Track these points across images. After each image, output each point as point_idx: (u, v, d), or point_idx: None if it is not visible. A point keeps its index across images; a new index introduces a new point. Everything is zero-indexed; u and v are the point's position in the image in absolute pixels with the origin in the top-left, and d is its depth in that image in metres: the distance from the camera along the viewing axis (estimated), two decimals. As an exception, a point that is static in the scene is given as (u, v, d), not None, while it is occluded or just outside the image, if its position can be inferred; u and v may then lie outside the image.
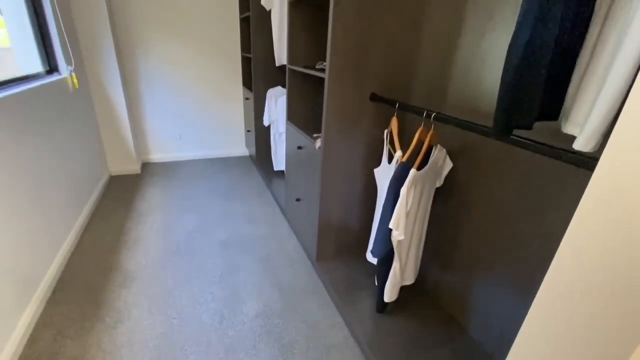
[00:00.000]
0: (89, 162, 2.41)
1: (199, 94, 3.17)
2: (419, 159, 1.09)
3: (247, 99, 3.09)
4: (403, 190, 1.01)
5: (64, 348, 1.29)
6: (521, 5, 0.61)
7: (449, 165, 1.24)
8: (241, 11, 2.90)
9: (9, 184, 1.35)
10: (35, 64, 2.04)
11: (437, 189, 1.29)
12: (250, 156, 3.43)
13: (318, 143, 1.49)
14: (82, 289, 1.60)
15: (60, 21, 2.10)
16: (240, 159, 3.47)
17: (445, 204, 1.34)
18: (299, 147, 1.75)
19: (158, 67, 2.95)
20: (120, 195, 2.56)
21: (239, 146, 3.53)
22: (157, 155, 3.28)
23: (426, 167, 1.11)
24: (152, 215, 2.28)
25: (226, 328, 1.41)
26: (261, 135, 2.90)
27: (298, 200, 1.89)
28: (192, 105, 3.18)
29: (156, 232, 2.09)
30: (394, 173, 1.09)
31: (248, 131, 3.25)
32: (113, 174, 2.93)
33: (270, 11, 2.17)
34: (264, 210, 2.42)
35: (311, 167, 1.62)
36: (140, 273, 1.72)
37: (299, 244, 2.02)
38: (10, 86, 1.58)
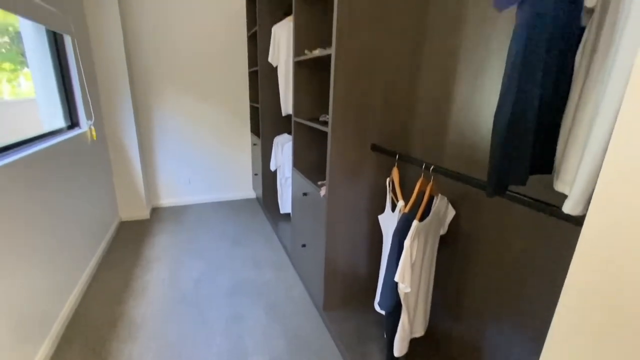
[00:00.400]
0: (101, 208, 2.48)
1: (208, 140, 3.31)
2: (421, 209, 1.12)
3: (254, 144, 3.22)
4: (406, 243, 1.03)
5: (64, 409, 1.25)
6: (502, 80, 0.68)
7: (451, 212, 1.26)
8: (250, 66, 3.13)
9: (26, 230, 1.40)
10: (57, 116, 2.19)
11: (442, 237, 1.30)
12: (257, 199, 3.48)
13: (323, 191, 1.53)
14: (88, 340, 1.57)
15: (84, 77, 2.29)
16: (247, 201, 3.52)
17: (451, 252, 1.34)
18: (304, 194, 1.79)
19: (171, 116, 3.12)
20: (129, 242, 2.59)
21: (246, 189, 3.60)
22: (166, 200, 3.35)
23: (429, 217, 1.13)
24: (159, 263, 2.29)
25: (231, 385, 1.36)
26: (268, 179, 2.97)
27: (304, 246, 1.90)
28: (201, 151, 3.32)
29: (162, 280, 2.09)
30: (397, 225, 1.11)
31: (255, 175, 3.34)
32: (123, 220, 2.99)
33: (277, 67, 2.34)
34: (270, 255, 2.42)
35: (316, 213, 1.65)
36: (145, 324, 1.70)
37: (306, 291, 1.99)
38: (36, 143, 1.70)
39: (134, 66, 2.89)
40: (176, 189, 3.36)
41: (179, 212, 3.21)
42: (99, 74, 2.61)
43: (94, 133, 2.39)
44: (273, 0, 2.43)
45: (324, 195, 1.52)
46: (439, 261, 1.32)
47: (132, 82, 2.79)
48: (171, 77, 3.03)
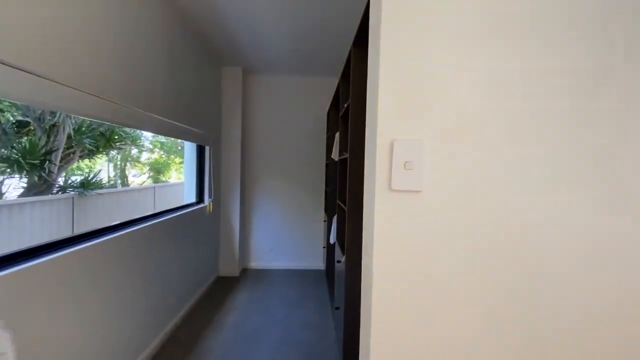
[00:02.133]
0: (206, 263, 3.35)
1: (290, 216, 4.08)
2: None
3: (324, 221, 3.81)
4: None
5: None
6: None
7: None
8: (326, 159, 3.94)
9: (145, 276, 2.22)
10: (192, 194, 3.30)
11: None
12: (324, 271, 3.91)
13: (343, 257, 1.93)
14: (173, 355, 2.18)
15: (212, 170, 3.42)
16: (316, 271, 3.98)
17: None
18: (338, 261, 2.19)
19: (265, 196, 4.08)
20: (220, 292, 3.33)
21: (317, 261, 4.10)
22: (254, 262, 4.12)
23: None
24: (235, 311, 2.89)
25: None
26: (329, 252, 3.43)
27: (337, 308, 2.21)
28: (284, 225, 4.09)
29: (235, 323, 2.65)
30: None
31: (324, 248, 3.84)
32: (220, 275, 3.83)
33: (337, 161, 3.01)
34: (318, 319, 2.74)
35: (340, 279, 2.01)
36: (214, 351, 2.22)
37: (338, 351, 2.21)
38: (181, 210, 2.69)
39: (245, 161, 4.05)
40: (262, 254, 4.12)
41: (261, 274, 3.89)
42: (222, 168, 3.79)
43: (211, 207, 3.42)
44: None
45: (342, 261, 1.91)
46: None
47: (242, 171, 3.90)
48: (267, 167, 4.07)
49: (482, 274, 0.72)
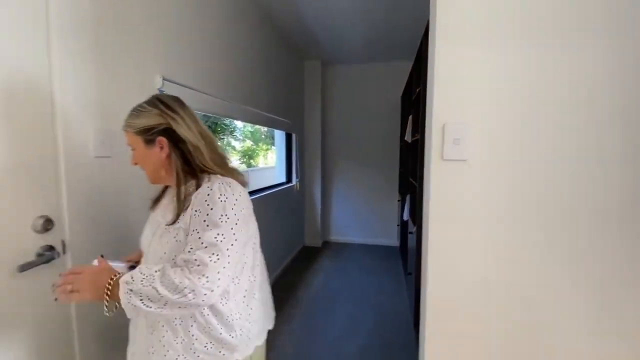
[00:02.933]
0: (295, 234, 3.93)
1: (366, 194, 4.40)
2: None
3: (399, 200, 4.02)
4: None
5: None
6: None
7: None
8: (400, 140, 4.10)
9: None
10: (281, 175, 3.88)
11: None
12: (398, 247, 4.14)
13: (414, 228, 2.17)
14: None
15: (297, 154, 3.93)
16: (391, 248, 4.25)
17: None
18: (410, 232, 2.44)
19: (342, 176, 4.46)
20: (306, 258, 3.88)
21: (391, 237, 4.35)
22: (333, 236, 4.60)
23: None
24: (320, 272, 3.39)
25: None
26: (403, 228, 3.65)
27: (409, 274, 2.47)
28: (360, 203, 4.43)
29: (319, 282, 3.14)
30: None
31: (398, 225, 4.07)
32: (306, 245, 4.40)
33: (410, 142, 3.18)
34: (392, 284, 3.04)
35: (412, 248, 2.26)
36: (302, 302, 2.74)
37: (409, 311, 2.49)
38: (272, 188, 3.26)
39: (324, 146, 4.47)
40: (341, 229, 4.56)
41: (340, 246, 4.34)
42: (305, 152, 4.29)
43: (298, 186, 3.96)
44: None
45: (413, 232, 2.15)
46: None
47: (322, 154, 4.34)
48: (345, 151, 4.42)
49: (514, 223, 0.93)
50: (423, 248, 1.08)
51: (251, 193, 2.86)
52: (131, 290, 0.70)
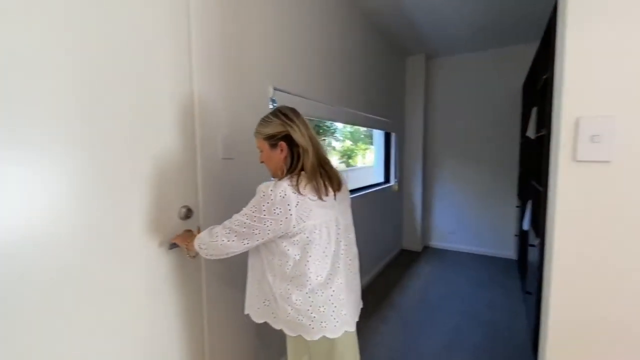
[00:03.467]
0: (391, 236, 3.84)
1: (474, 199, 3.95)
2: None
3: (517, 206, 3.48)
4: None
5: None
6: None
7: None
8: (521, 136, 3.53)
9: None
10: (379, 175, 3.83)
11: None
12: (515, 260, 3.58)
13: (537, 240, 1.84)
14: (369, 306, 2.76)
15: (397, 154, 3.83)
16: (505, 260, 3.71)
17: None
18: (531, 245, 2.08)
19: (446, 177, 4.12)
20: (404, 263, 3.75)
21: (505, 249, 3.80)
22: (434, 242, 4.30)
23: None
24: (419, 278, 3.23)
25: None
26: (522, 239, 3.13)
27: (528, 293, 2.11)
28: (467, 208, 4.01)
29: (418, 288, 2.99)
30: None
31: (515, 236, 3.52)
32: (403, 248, 4.24)
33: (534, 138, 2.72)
34: (506, 302, 2.65)
35: (534, 264, 1.93)
36: (400, 307, 2.66)
37: (528, 338, 2.13)
38: (370, 188, 3.27)
39: (426, 144, 4.22)
40: (444, 235, 4.23)
41: (442, 253, 4.03)
42: (405, 151, 4.14)
43: (396, 187, 3.85)
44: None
45: (537, 245, 1.83)
46: None
47: (424, 153, 4.10)
48: (449, 149, 4.07)
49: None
50: (546, 265, 0.92)
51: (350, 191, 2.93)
52: (198, 237, 1.08)
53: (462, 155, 4.01)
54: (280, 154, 1.04)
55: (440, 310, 2.58)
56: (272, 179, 1.09)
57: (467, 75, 3.88)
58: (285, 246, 1.00)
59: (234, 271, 1.49)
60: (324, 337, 1.00)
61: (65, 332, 0.94)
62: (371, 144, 4.41)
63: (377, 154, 3.94)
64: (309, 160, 1.00)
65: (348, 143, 11.53)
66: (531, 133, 2.70)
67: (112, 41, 1.01)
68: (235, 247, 1.00)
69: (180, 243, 1.19)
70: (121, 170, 1.06)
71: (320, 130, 5.48)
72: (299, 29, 1.94)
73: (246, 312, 1.17)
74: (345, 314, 1.04)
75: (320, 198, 0.99)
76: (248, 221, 0.97)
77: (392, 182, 3.84)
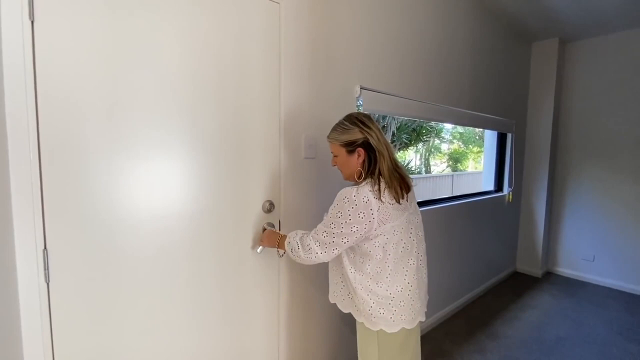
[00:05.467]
0: (500, 253, 3.28)
1: (623, 218, 3.01)
2: None
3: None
4: None
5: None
6: None
7: None
8: None
9: (445, 249, 2.54)
10: (490, 182, 3.32)
11: None
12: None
13: None
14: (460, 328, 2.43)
15: (513, 158, 3.25)
16: (676, 307, 2.71)
17: None
18: None
19: (585, 189, 3.26)
20: (516, 287, 3.16)
21: (680, 292, 2.77)
22: (562, 268, 3.47)
23: None
24: (533, 310, 2.67)
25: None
26: None
27: None
28: (614, 229, 3.09)
29: (531, 322, 2.48)
30: None
31: (696, 276, 2.53)
32: (518, 271, 3.58)
33: None
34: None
35: None
36: (501, 339, 2.25)
37: None
38: (478, 196, 2.88)
39: (556, 147, 3.44)
40: (576, 261, 3.37)
41: (572, 284, 3.23)
42: (526, 155, 3.47)
43: (510, 197, 3.27)
44: None
45: None
46: None
47: (552, 158, 3.36)
48: (590, 153, 3.21)
49: None
50: None
51: (448, 198, 2.63)
52: (288, 242, 1.14)
53: (609, 162, 3.11)
54: (358, 159, 1.08)
55: (558, 356, 2.06)
56: (346, 181, 1.15)
57: (617, 60, 3.00)
58: (366, 247, 1.05)
59: (311, 269, 1.52)
60: (403, 328, 1.08)
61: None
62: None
63: (487, 157, 3.43)
64: (385, 164, 1.05)
65: (456, 145, 10.45)
66: None
67: (220, 54, 1.17)
68: (326, 258, 1.07)
69: (268, 245, 1.29)
70: (219, 168, 1.21)
71: (423, 131, 5.10)
72: (391, 20, 1.83)
73: (332, 301, 1.24)
74: (419, 306, 1.13)
75: (398, 202, 1.04)
76: (336, 230, 1.02)
77: (506, 190, 3.28)
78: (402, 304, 1.07)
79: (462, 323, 2.45)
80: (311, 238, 1.07)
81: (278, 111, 1.37)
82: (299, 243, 1.09)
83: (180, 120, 1.10)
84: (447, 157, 9.41)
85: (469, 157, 9.57)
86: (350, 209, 0.99)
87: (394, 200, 1.03)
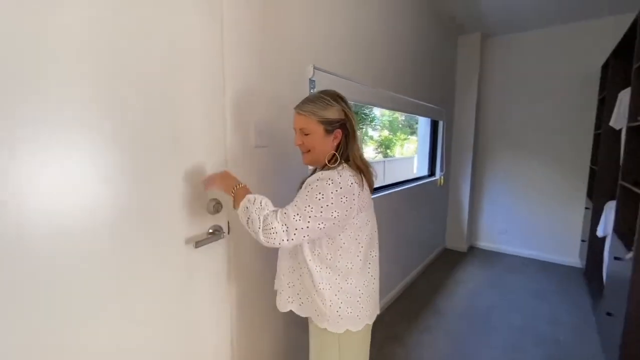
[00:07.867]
0: (433, 233, 3.53)
1: (533, 197, 3.50)
2: None
3: (587, 208, 3.01)
4: None
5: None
6: None
7: None
8: (596, 128, 3.03)
9: (390, 234, 2.60)
10: (423, 168, 3.51)
11: None
12: (581, 269, 3.13)
13: (630, 254, 1.50)
14: (397, 312, 2.53)
15: (444, 145, 3.48)
16: (568, 268, 3.26)
17: None
18: (616, 258, 1.72)
19: (500, 171, 3.69)
20: (447, 263, 3.44)
21: (569, 255, 3.34)
22: (482, 242, 3.91)
23: None
24: (463, 284, 2.92)
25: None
26: (595, 247, 2.70)
27: (609, 314, 1.76)
28: (522, 206, 3.57)
29: (461, 294, 2.70)
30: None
31: (582, 241, 3.06)
32: (447, 247, 3.91)
33: (620, 130, 2.27)
34: (574, 320, 2.29)
35: (619, 281, 1.58)
36: (443, 315, 2.40)
37: (606, 369, 1.80)
38: (411, 182, 2.99)
39: (478, 135, 3.79)
40: (493, 235, 3.82)
41: (490, 255, 3.65)
42: (453, 142, 3.75)
43: (442, 181, 3.52)
44: (626, 69, 2.39)
45: (629, 258, 1.48)
46: None
47: (475, 144, 3.69)
48: (505, 141, 3.62)
49: None
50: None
51: (387, 186, 2.67)
52: (247, 208, 0.92)
53: (520, 148, 3.55)
54: (333, 141, 0.98)
55: (492, 323, 2.28)
56: (308, 166, 1.07)
57: (529, 56, 3.39)
58: (341, 239, 0.97)
59: (261, 262, 1.34)
60: (366, 324, 1.04)
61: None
62: (411, 134, 4.06)
63: (421, 144, 3.61)
64: (358, 151, 0.99)
65: (386, 133, 11.07)
66: (618, 122, 2.26)
67: (142, 21, 0.87)
68: (288, 246, 0.91)
69: (219, 189, 1.03)
70: (150, 162, 0.93)
71: (359, 119, 5.19)
72: (343, 3, 1.70)
73: (284, 309, 1.08)
74: (377, 300, 1.10)
75: (371, 191, 1.01)
76: (313, 213, 0.89)
77: (438, 175, 3.50)
78: (368, 299, 1.03)
79: (409, 303, 2.56)
80: (278, 220, 0.88)
81: (222, 90, 1.13)
82: (260, 219, 0.89)
83: (91, 106, 0.80)
84: (378, 144, 9.89)
85: (397, 143, 10.24)
86: (334, 192, 0.89)
87: (369, 189, 1.00)
